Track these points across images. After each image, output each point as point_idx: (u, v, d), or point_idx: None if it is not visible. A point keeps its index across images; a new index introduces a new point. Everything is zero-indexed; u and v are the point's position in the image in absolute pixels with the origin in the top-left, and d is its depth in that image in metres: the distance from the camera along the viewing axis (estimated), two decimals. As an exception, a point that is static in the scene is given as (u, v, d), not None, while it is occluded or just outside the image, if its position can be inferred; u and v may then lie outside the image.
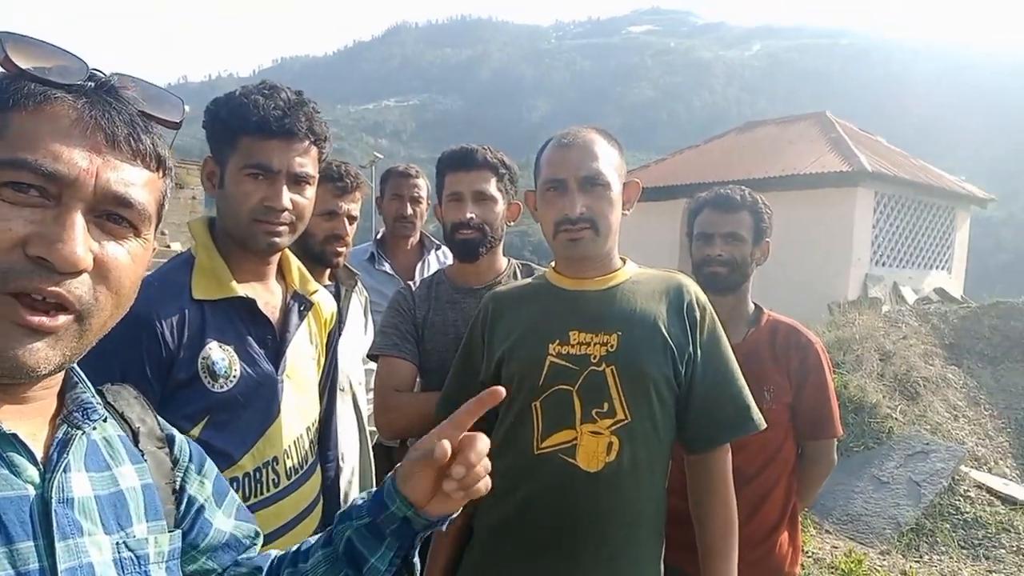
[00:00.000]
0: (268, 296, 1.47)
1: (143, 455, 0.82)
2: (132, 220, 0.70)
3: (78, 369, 0.78)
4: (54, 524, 0.67)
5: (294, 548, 0.96)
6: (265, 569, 0.94)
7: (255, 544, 0.98)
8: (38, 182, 0.64)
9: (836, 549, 4.71)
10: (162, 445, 0.86)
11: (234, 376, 1.34)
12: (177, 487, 0.86)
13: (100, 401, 0.78)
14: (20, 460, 0.68)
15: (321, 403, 1.68)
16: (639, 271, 1.69)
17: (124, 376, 1.23)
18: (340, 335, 2.15)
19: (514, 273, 2.07)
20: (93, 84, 0.70)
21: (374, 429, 2.36)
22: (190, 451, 0.91)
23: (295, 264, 1.56)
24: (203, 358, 1.31)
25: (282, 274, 1.54)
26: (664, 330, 1.57)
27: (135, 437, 0.83)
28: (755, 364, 2.02)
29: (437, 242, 2.91)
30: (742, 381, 1.64)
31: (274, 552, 0.98)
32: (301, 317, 1.51)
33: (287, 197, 1.38)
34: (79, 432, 0.73)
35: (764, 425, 1.64)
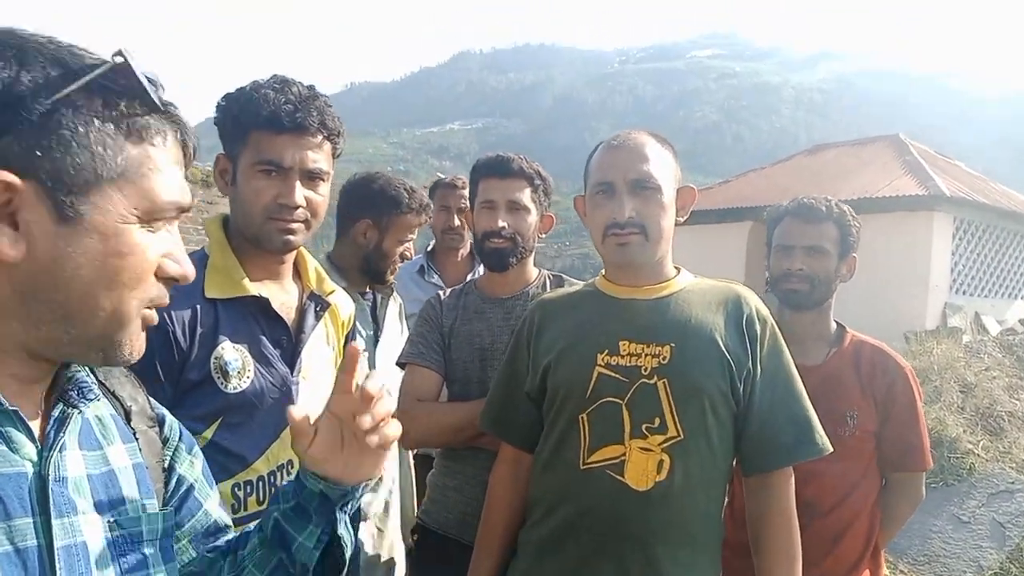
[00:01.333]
0: (283, 296, 1.44)
1: (135, 434, 0.82)
2: None
3: None
4: (51, 502, 0.68)
5: (235, 537, 0.96)
6: (225, 556, 0.95)
7: (228, 535, 0.98)
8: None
9: (911, 592, 4.40)
10: (153, 424, 0.86)
11: (248, 376, 1.31)
12: (166, 466, 0.86)
13: (94, 380, 0.79)
14: (19, 436, 0.68)
15: None
16: (695, 281, 1.60)
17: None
18: (377, 343, 2.13)
19: (544, 284, 2.02)
20: None
21: None
22: (180, 431, 0.91)
23: (312, 263, 1.53)
24: (215, 358, 1.28)
25: (298, 273, 1.51)
26: (721, 343, 1.47)
27: (127, 416, 0.83)
28: (837, 387, 1.89)
29: None
30: (806, 401, 1.53)
31: (222, 540, 0.97)
32: (317, 318, 1.47)
33: (300, 193, 1.34)
34: (76, 411, 0.74)
35: (829, 449, 1.52)
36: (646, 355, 1.47)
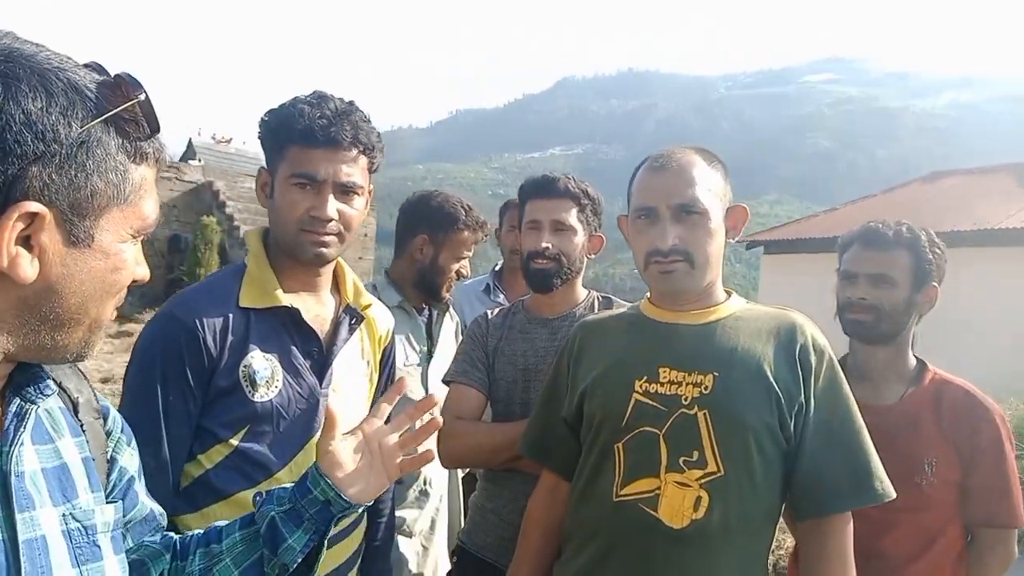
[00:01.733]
0: (319, 308, 1.45)
1: (82, 427, 0.83)
2: None
3: None
4: (13, 497, 0.68)
5: (204, 531, 0.99)
6: (171, 549, 0.96)
7: (162, 523, 0.99)
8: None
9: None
10: (98, 416, 0.87)
11: (276, 387, 1.32)
12: (109, 458, 0.88)
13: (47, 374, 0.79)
14: None
15: None
16: (746, 307, 1.51)
17: (165, 379, 1.25)
18: (431, 359, 2.14)
19: (592, 305, 1.97)
20: None
21: None
22: (122, 423, 0.92)
23: (350, 277, 1.54)
24: (244, 366, 1.30)
25: (338, 286, 1.52)
26: (769, 374, 1.37)
27: (75, 408, 0.84)
28: (913, 431, 1.73)
29: None
30: (866, 442, 1.40)
31: (175, 535, 0.99)
32: (351, 331, 1.48)
33: (333, 207, 1.36)
34: (34, 407, 0.74)
35: (890, 496, 1.38)
36: (687, 384, 1.40)
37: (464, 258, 2.22)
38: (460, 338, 2.43)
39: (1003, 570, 1.84)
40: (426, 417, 1.18)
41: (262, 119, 1.40)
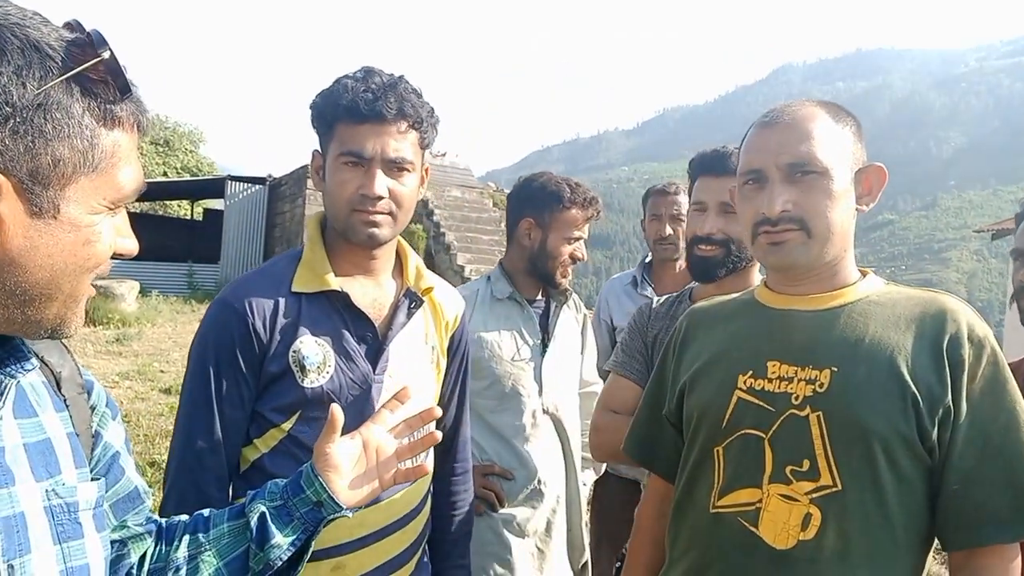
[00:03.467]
0: (376, 292, 1.41)
1: (65, 401, 0.81)
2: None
3: None
4: None
5: (191, 517, 0.98)
6: (155, 532, 0.95)
7: (147, 502, 0.95)
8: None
9: None
10: (81, 391, 0.84)
11: (327, 372, 1.30)
12: (93, 433, 0.85)
13: (28, 348, 0.77)
14: None
15: (447, 411, 1.57)
16: (884, 290, 1.24)
17: (218, 363, 1.27)
18: (544, 353, 2.03)
19: None
20: None
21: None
22: (106, 398, 0.89)
23: (413, 259, 1.49)
24: (294, 351, 1.29)
25: (401, 270, 1.47)
26: (905, 371, 1.12)
27: (57, 383, 0.81)
28: None
29: None
30: None
31: (163, 520, 0.98)
32: (409, 315, 1.42)
33: (383, 184, 1.31)
34: (14, 381, 0.72)
35: None
36: (799, 380, 1.18)
37: (576, 239, 2.05)
38: (587, 333, 2.32)
39: None
40: (426, 429, 1.13)
41: (312, 102, 1.38)
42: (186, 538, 0.94)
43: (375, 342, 1.38)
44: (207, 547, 0.93)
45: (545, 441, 2.02)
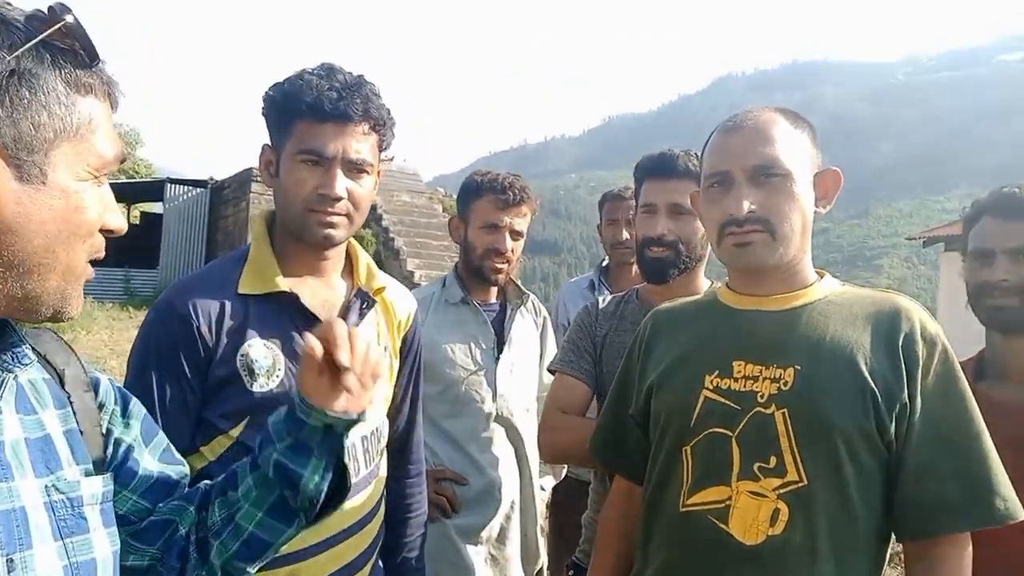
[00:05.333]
0: (326, 292, 1.37)
1: (69, 399, 0.82)
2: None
3: None
4: None
5: (223, 476, 0.97)
6: (196, 501, 0.95)
7: (184, 482, 0.97)
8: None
9: None
10: (88, 389, 0.85)
11: (277, 376, 1.25)
12: (104, 431, 0.86)
13: (28, 345, 0.78)
14: None
15: (400, 414, 1.55)
16: (841, 290, 1.29)
17: (160, 368, 1.22)
18: (499, 357, 2.03)
19: None
20: None
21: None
22: (115, 393, 0.90)
23: (363, 259, 1.46)
24: (242, 355, 1.24)
25: (351, 271, 1.44)
26: (864, 368, 1.16)
27: (61, 381, 0.82)
28: None
29: None
30: (985, 450, 1.15)
31: (203, 483, 0.98)
32: (361, 316, 1.38)
33: (342, 185, 1.28)
34: (11, 376, 0.74)
35: (1017, 516, 1.11)
36: (764, 379, 1.21)
37: (498, 227, 2.00)
38: (547, 336, 2.31)
39: None
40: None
41: (266, 93, 1.34)
42: (218, 500, 0.94)
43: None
44: (241, 504, 0.92)
45: (499, 447, 2.01)
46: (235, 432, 1.25)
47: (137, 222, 23.42)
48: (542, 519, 2.27)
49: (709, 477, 1.22)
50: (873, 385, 1.14)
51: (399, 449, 1.57)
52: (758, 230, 1.22)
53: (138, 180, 20.01)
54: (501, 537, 2.00)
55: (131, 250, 18.69)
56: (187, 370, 1.23)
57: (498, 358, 2.02)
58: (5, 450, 0.71)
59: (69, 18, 0.69)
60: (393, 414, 1.54)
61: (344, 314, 1.37)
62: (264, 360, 1.26)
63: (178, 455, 0.99)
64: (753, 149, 1.23)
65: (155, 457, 0.94)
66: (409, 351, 1.56)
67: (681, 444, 1.27)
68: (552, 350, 2.33)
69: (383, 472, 1.49)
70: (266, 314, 1.29)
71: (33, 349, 0.82)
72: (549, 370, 1.90)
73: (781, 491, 1.16)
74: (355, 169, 1.30)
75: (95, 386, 0.87)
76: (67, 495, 0.75)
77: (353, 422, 0.92)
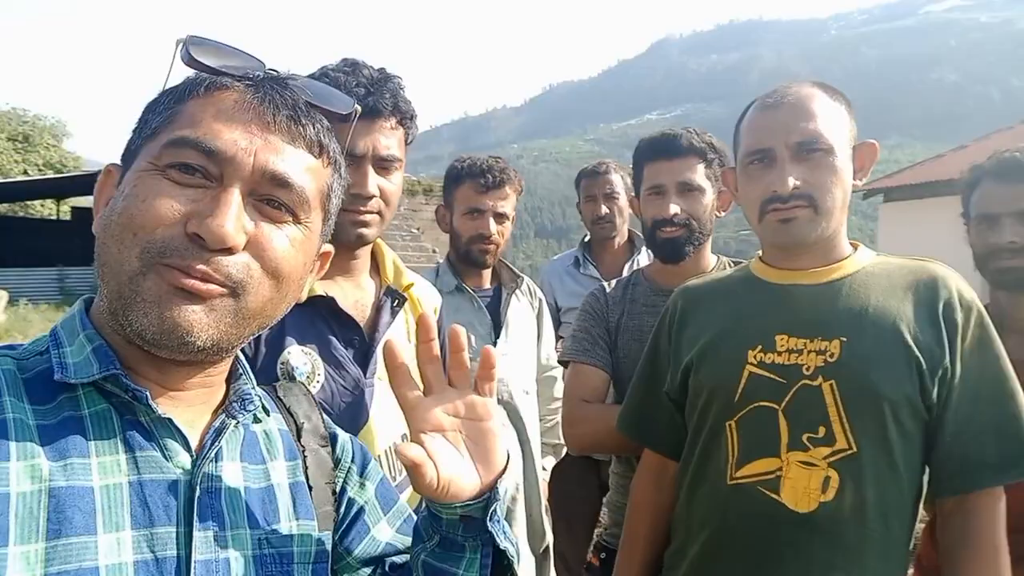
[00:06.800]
0: (358, 293, 1.35)
1: (304, 452, 0.80)
2: (290, 203, 0.71)
3: (244, 362, 0.79)
4: (195, 513, 0.66)
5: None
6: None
7: (404, 558, 0.88)
8: (201, 162, 0.66)
9: None
10: (324, 444, 0.83)
11: (317, 381, 1.23)
12: (338, 488, 0.83)
13: (264, 394, 0.78)
14: (174, 445, 0.68)
15: None
16: (877, 260, 1.31)
17: None
18: (496, 340, 2.02)
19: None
20: (262, 76, 0.73)
21: (559, 441, 2.19)
22: (352, 451, 0.87)
23: (389, 257, 1.44)
24: (282, 363, 1.22)
25: (377, 269, 1.42)
26: (908, 336, 1.19)
27: (298, 432, 0.81)
28: None
29: None
30: (1022, 406, 1.19)
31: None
32: (393, 314, 1.36)
33: (374, 182, 1.25)
34: (233, 421, 0.73)
35: None
36: (809, 352, 1.23)
37: (481, 212, 2.01)
38: (543, 318, 2.31)
39: None
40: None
41: None
42: None
43: (363, 345, 1.31)
44: None
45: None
46: None
47: (69, 217, 22.45)
48: (544, 499, 2.29)
49: (757, 449, 1.24)
50: (918, 354, 1.18)
51: None
52: (802, 206, 1.23)
53: (71, 174, 19.17)
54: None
55: (65, 248, 17.97)
56: None
57: (495, 342, 2.02)
58: (221, 498, 0.69)
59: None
60: None
61: (376, 313, 1.35)
62: (304, 367, 1.23)
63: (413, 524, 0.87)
64: (795, 125, 1.24)
65: (393, 527, 0.88)
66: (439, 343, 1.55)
67: (725, 419, 1.29)
68: (549, 331, 2.33)
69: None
70: (301, 320, 1.25)
71: (279, 399, 0.83)
72: (560, 361, 1.89)
73: (831, 459, 1.19)
74: (385, 165, 1.28)
75: (332, 440, 0.85)
76: (278, 549, 0.73)
77: (489, 501, 0.76)
